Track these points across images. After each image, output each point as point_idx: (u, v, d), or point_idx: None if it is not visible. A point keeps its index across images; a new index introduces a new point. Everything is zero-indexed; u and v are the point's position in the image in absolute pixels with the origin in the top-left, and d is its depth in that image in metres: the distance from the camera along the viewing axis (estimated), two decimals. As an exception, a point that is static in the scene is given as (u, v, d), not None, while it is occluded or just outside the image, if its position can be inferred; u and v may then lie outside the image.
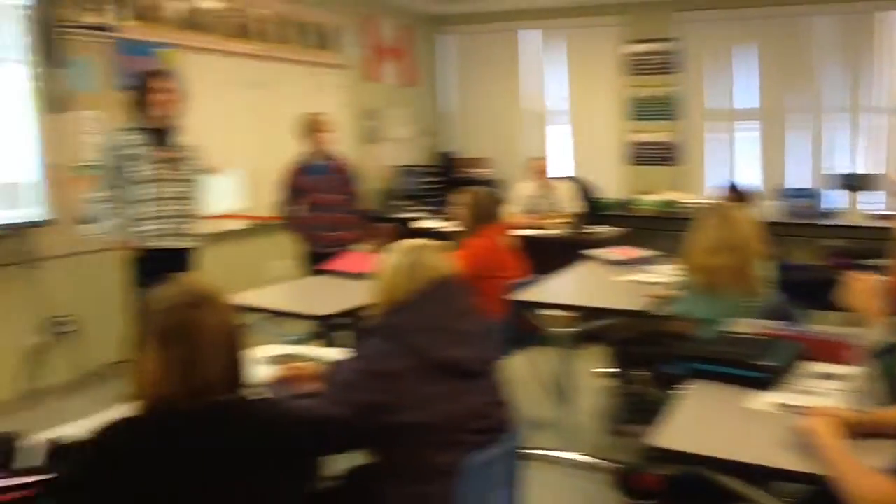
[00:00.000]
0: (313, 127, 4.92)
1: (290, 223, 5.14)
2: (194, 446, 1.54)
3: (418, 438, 1.91)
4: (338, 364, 2.26)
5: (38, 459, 1.74)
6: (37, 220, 4.47)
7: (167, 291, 1.64)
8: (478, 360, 2.05)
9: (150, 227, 4.18)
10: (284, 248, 5.93)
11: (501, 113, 8.62)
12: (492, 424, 2.02)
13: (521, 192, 6.61)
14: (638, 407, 3.61)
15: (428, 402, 1.92)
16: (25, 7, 4.32)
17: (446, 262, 2.13)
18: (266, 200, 6.15)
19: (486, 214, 4.15)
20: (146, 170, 4.14)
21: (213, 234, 5.33)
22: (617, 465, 3.32)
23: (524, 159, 7.33)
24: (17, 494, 1.61)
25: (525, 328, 3.92)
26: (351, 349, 2.58)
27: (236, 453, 1.58)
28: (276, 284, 4.66)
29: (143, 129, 4.17)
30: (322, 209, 4.94)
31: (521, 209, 6.44)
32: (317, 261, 4.89)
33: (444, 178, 8.28)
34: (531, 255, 4.43)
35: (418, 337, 1.97)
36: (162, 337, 1.57)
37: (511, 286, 3.87)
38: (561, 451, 3.67)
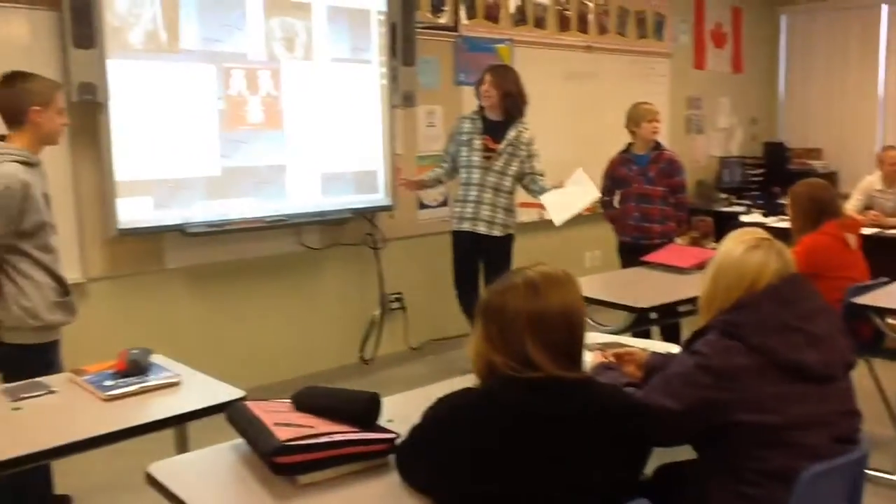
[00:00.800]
0: (639, 117, 4.88)
1: (608, 214, 5.17)
2: (535, 413, 1.62)
3: (754, 439, 1.84)
4: (670, 357, 2.24)
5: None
6: (383, 205, 4.96)
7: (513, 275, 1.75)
8: (829, 364, 1.91)
9: (461, 209, 4.65)
10: (599, 239, 5.99)
11: (851, 99, 7.84)
12: (836, 433, 1.89)
13: (865, 187, 6.01)
14: None
15: (769, 403, 1.84)
16: (380, 12, 4.79)
17: (791, 256, 2.01)
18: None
19: (824, 209, 3.83)
20: (471, 155, 4.60)
21: (530, 222, 5.56)
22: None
23: (872, 151, 6.66)
24: (374, 447, 1.83)
25: (864, 336, 3.59)
26: (673, 344, 2.57)
27: (574, 425, 1.63)
28: (592, 275, 4.72)
29: (482, 119, 4.63)
30: (642, 200, 4.89)
31: (861, 205, 5.87)
32: (632, 252, 4.87)
33: (770, 170, 7.79)
34: (872, 255, 4.02)
35: (768, 337, 1.87)
36: (486, 316, 1.73)
37: (850, 288, 3.56)
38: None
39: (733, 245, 2.03)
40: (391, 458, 1.84)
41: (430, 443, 1.69)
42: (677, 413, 1.88)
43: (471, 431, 1.61)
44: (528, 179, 4.66)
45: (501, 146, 4.59)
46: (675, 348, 2.53)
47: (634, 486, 1.77)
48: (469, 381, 1.82)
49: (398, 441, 1.82)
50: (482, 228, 4.62)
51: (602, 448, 1.66)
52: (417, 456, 1.73)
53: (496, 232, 4.63)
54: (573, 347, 1.71)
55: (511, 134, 4.60)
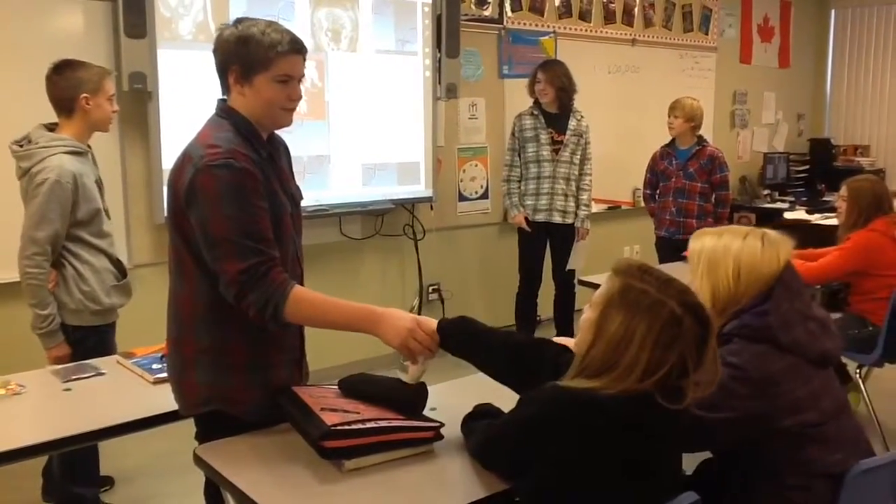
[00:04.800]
0: (681, 112, 4.82)
1: (649, 208, 5.15)
2: (620, 423, 1.58)
3: (796, 439, 1.82)
4: None
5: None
6: (423, 196, 4.98)
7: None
8: (838, 349, 1.91)
9: (534, 202, 4.81)
10: (639, 233, 5.95)
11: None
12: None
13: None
14: None
15: (805, 401, 1.82)
16: (426, 4, 4.80)
17: (775, 249, 1.94)
18: (624, 185, 6.23)
19: (881, 205, 3.76)
20: (539, 150, 4.78)
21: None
22: None
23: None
24: (420, 434, 1.85)
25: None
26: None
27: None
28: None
29: (542, 114, 4.79)
30: (680, 195, 4.86)
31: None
32: (669, 248, 4.85)
33: (815, 167, 7.67)
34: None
35: (795, 332, 1.84)
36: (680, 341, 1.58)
37: (898, 287, 3.50)
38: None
39: (749, 241, 1.94)
40: (436, 445, 1.86)
41: (522, 442, 1.65)
42: (713, 425, 1.81)
43: (566, 437, 1.57)
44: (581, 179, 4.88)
45: (566, 137, 4.80)
46: None
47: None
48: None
49: (443, 430, 1.84)
50: (557, 218, 4.83)
51: (670, 451, 1.67)
52: (500, 453, 1.73)
53: (570, 220, 4.86)
54: None
55: (572, 124, 4.82)
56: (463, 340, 1.95)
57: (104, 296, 2.92)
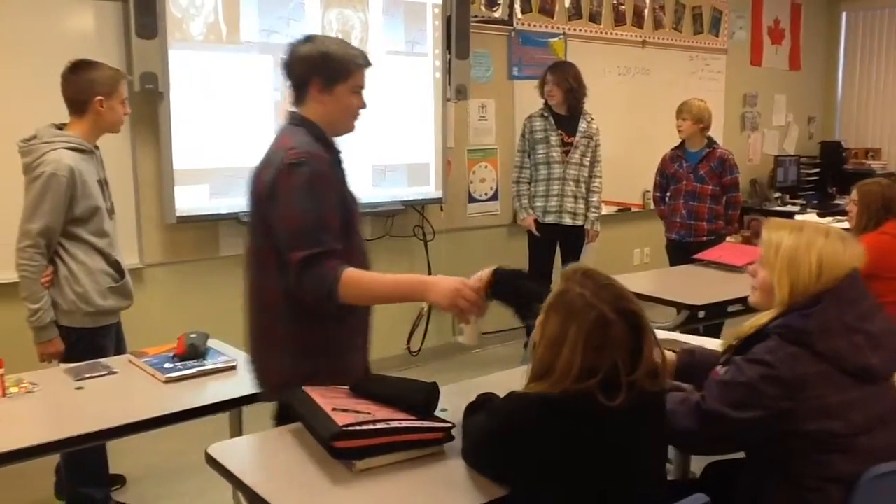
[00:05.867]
0: (689, 114, 4.80)
1: (659, 210, 5.14)
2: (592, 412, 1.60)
3: (816, 445, 1.80)
4: (706, 353, 2.22)
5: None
6: (433, 197, 4.98)
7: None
8: (888, 364, 1.87)
9: (544, 204, 4.83)
10: (648, 236, 5.94)
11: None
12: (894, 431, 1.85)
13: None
14: None
15: (834, 409, 1.79)
16: (436, 5, 4.81)
17: (855, 250, 1.93)
18: (634, 187, 6.22)
19: (885, 209, 3.74)
20: (550, 151, 4.79)
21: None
22: None
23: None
24: (431, 435, 1.85)
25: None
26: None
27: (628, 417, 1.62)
28: (643, 272, 4.69)
29: (552, 115, 4.80)
30: (690, 198, 4.84)
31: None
32: (679, 250, 4.84)
33: (826, 170, 7.65)
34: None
35: (833, 342, 1.82)
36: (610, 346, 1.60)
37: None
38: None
39: (792, 237, 1.93)
40: (447, 446, 1.86)
41: (492, 452, 1.71)
42: (740, 423, 1.82)
43: (533, 442, 1.60)
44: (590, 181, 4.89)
45: (577, 139, 4.81)
46: (712, 343, 2.48)
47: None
48: (514, 375, 1.82)
49: (454, 431, 1.85)
50: (567, 220, 4.84)
51: (653, 440, 1.67)
52: (480, 462, 1.77)
53: (580, 221, 4.87)
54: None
55: (582, 126, 4.83)
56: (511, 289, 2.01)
57: (98, 297, 2.90)
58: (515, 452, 1.62)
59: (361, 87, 2.22)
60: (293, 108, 2.23)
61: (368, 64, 2.23)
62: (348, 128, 2.27)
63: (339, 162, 2.23)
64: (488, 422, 1.72)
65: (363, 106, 2.25)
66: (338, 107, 2.19)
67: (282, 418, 2.12)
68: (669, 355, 2.21)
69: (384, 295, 2.13)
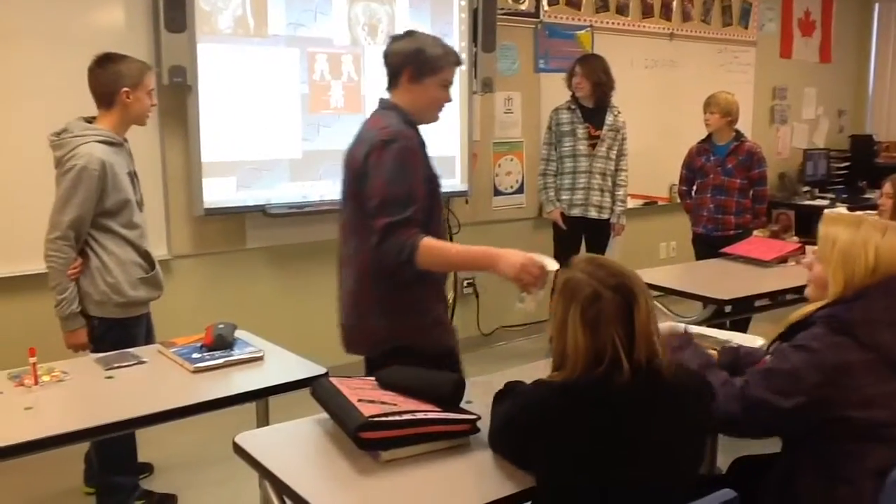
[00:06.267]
0: (717, 107, 4.76)
1: (685, 204, 5.10)
2: (621, 405, 1.61)
3: (855, 434, 1.80)
4: (777, 352, 2.21)
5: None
6: (459, 190, 4.98)
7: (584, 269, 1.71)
8: None
9: (570, 197, 4.81)
10: (675, 230, 5.90)
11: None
12: None
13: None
14: None
15: (878, 399, 1.79)
16: (462, -3, 4.81)
17: None
18: (660, 181, 6.18)
19: (919, 202, 3.70)
20: (576, 144, 4.77)
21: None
22: None
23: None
24: (456, 427, 1.86)
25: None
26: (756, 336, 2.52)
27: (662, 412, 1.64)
28: (670, 265, 4.66)
29: (579, 108, 4.78)
30: (718, 192, 4.80)
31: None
32: (705, 244, 4.80)
33: (856, 164, 7.54)
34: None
35: (879, 333, 1.82)
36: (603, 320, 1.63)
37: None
38: None
39: (889, 237, 1.92)
40: (472, 438, 1.87)
41: (515, 439, 1.72)
42: (783, 411, 1.82)
43: (553, 428, 1.61)
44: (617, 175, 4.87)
45: (603, 132, 4.79)
46: (759, 340, 2.46)
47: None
48: (538, 367, 1.82)
49: (479, 423, 1.86)
50: (593, 213, 4.83)
51: (677, 430, 1.66)
52: (502, 447, 1.80)
53: (605, 215, 4.85)
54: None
55: (609, 119, 4.80)
56: None
57: (129, 288, 2.93)
58: (535, 438, 1.63)
59: (450, 82, 2.45)
60: (385, 95, 2.48)
61: (459, 63, 2.47)
62: (433, 118, 2.49)
63: (423, 144, 2.43)
64: (511, 407, 1.74)
65: (449, 100, 2.48)
66: (425, 96, 2.42)
67: (371, 369, 2.35)
68: (712, 354, 2.22)
69: (457, 262, 2.39)
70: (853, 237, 1.92)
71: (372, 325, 2.40)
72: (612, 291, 1.63)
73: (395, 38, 2.45)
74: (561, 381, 1.64)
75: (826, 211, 2.20)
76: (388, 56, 2.44)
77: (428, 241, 2.23)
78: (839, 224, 1.98)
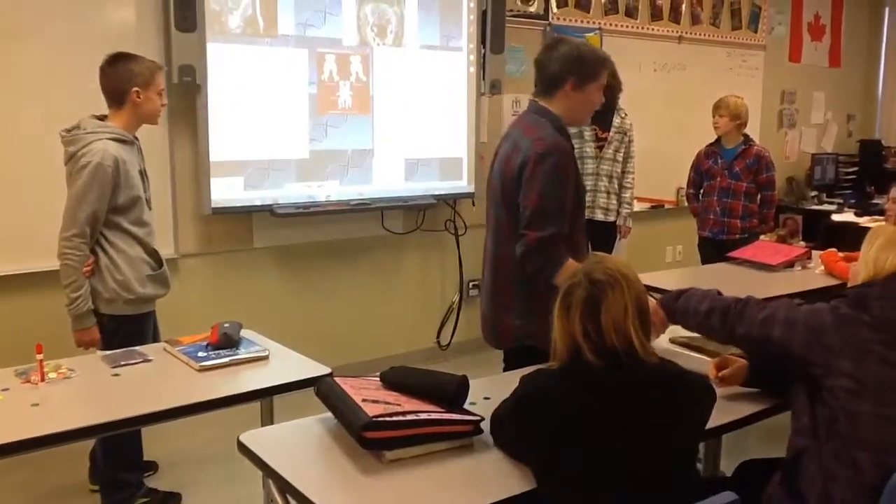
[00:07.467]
0: (726, 111, 4.76)
1: (692, 207, 5.09)
2: (611, 397, 1.64)
3: (852, 393, 1.82)
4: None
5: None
6: (465, 192, 4.99)
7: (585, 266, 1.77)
8: None
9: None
10: (681, 234, 5.89)
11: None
12: None
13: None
14: None
15: (877, 365, 1.82)
16: (471, -1, 4.82)
17: None
18: (667, 184, 6.18)
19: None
20: (583, 146, 4.75)
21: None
22: None
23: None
24: (460, 428, 1.86)
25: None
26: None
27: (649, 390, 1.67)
28: (675, 269, 4.65)
29: None
30: (724, 195, 4.79)
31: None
32: (712, 248, 4.80)
33: (864, 169, 7.52)
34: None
35: (889, 308, 1.86)
36: (572, 308, 1.71)
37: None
38: None
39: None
40: (476, 439, 1.87)
41: (518, 421, 1.75)
42: (795, 323, 1.91)
43: (553, 410, 1.65)
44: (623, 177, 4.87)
45: (610, 134, 4.79)
46: None
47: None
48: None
49: (482, 424, 1.87)
50: (600, 215, 4.82)
51: (676, 414, 1.68)
52: (501, 435, 1.84)
53: (612, 217, 4.85)
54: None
55: (616, 121, 4.80)
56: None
57: (138, 285, 2.95)
58: (531, 421, 1.67)
59: (604, 84, 2.60)
60: (535, 99, 2.58)
61: (611, 65, 2.63)
62: (585, 120, 2.74)
63: (573, 150, 2.58)
64: (510, 397, 1.79)
65: (603, 101, 2.64)
66: (585, 102, 2.55)
67: (511, 366, 2.55)
68: (741, 362, 2.27)
69: None
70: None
71: (507, 324, 2.61)
72: (585, 279, 1.70)
73: (550, 47, 2.55)
74: (558, 367, 1.73)
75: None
76: (547, 65, 2.53)
77: (570, 265, 2.35)
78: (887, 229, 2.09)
